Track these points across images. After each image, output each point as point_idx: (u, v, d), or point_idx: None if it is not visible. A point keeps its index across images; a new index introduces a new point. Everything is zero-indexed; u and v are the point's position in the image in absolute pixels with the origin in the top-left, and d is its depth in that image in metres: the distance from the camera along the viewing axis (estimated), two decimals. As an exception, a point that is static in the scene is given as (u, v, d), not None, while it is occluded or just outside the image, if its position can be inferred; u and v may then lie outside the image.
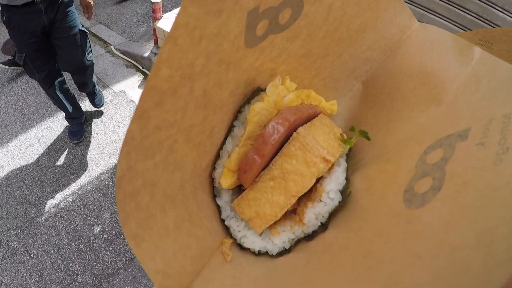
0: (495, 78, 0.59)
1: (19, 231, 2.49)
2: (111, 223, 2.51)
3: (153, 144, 0.47)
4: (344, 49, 0.76)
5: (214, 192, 0.71)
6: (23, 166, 2.94)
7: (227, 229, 0.71)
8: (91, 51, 2.73)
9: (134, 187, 0.46)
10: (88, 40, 2.65)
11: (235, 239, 0.70)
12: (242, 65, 0.58)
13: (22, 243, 2.41)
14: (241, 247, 0.69)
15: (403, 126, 0.70)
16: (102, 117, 3.37)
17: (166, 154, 0.51)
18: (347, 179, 0.66)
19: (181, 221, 0.58)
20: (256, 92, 0.67)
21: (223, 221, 0.71)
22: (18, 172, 2.89)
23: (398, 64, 0.77)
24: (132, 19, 4.74)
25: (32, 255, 2.35)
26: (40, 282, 2.22)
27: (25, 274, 2.26)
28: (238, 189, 0.72)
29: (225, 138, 0.67)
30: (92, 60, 2.77)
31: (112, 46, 4.27)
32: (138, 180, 0.46)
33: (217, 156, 0.69)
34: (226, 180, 0.66)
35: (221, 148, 0.68)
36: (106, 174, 2.85)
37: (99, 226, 2.49)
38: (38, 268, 2.29)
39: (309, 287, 0.54)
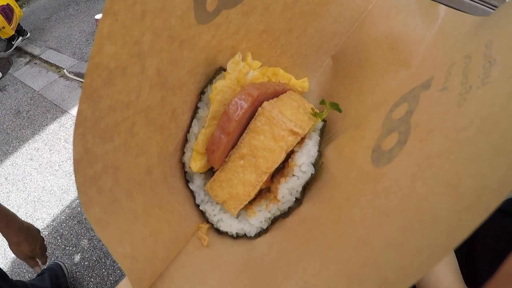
0: (461, 32, 0.59)
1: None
2: (90, 249, 2.43)
3: (110, 126, 0.45)
4: (309, 23, 0.75)
5: (186, 178, 0.70)
6: (-6, 206, 2.84)
7: (202, 214, 0.70)
8: None
9: (95, 171, 0.43)
10: None
11: (212, 224, 0.69)
12: (198, 43, 0.57)
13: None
14: (218, 231, 0.68)
15: (374, 95, 0.69)
16: (65, 143, 3.29)
17: (126, 137, 0.49)
18: (319, 151, 0.65)
19: (150, 207, 0.56)
20: (218, 71, 0.66)
21: (198, 206, 0.70)
22: (-11, 214, 2.79)
23: (365, 34, 0.76)
24: (81, 39, 4.68)
25: (18, 296, 2.26)
26: (29, 322, 2.14)
27: (12, 315, 2.18)
28: (211, 173, 0.71)
29: (191, 121, 0.66)
30: None
31: (65, 70, 4.18)
32: (98, 164, 0.44)
33: (185, 140, 0.67)
34: (195, 163, 0.65)
35: (188, 131, 0.66)
36: (78, 201, 2.75)
37: (79, 254, 2.41)
38: (25, 307, 2.21)
39: (283, 263, 0.53)
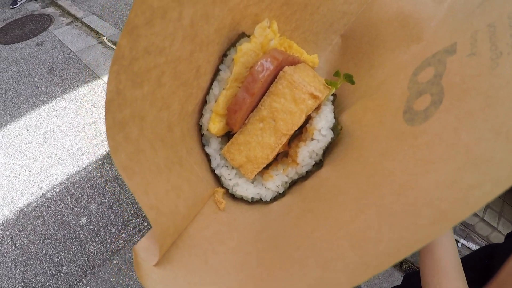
0: (470, 8, 0.61)
1: (4, 220, 2.44)
2: (97, 214, 2.46)
3: (142, 71, 0.46)
4: (322, 1, 0.77)
5: (203, 141, 0.71)
6: (11, 155, 2.89)
7: (218, 179, 0.71)
8: None
9: (123, 116, 0.45)
10: None
11: (227, 189, 0.70)
12: (228, 3, 0.58)
13: (8, 233, 2.37)
14: (233, 197, 0.70)
15: (385, 69, 0.72)
16: (92, 107, 3.31)
17: (154, 87, 0.50)
18: (335, 118, 0.67)
19: (171, 163, 0.57)
20: (240, 36, 0.66)
21: (213, 171, 0.71)
22: (5, 161, 2.84)
23: (375, 13, 0.79)
24: (125, 11, 4.66)
25: (17, 245, 2.30)
26: (25, 272, 2.16)
27: (10, 264, 2.21)
28: (227, 139, 0.72)
29: (211, 83, 0.67)
30: None
31: (104, 37, 4.20)
32: (127, 110, 0.45)
33: (204, 102, 0.68)
34: (214, 125, 0.66)
35: (207, 93, 0.67)
36: (94, 165, 2.79)
37: (86, 217, 2.44)
38: (23, 258, 2.22)
39: (310, 218, 0.55)
